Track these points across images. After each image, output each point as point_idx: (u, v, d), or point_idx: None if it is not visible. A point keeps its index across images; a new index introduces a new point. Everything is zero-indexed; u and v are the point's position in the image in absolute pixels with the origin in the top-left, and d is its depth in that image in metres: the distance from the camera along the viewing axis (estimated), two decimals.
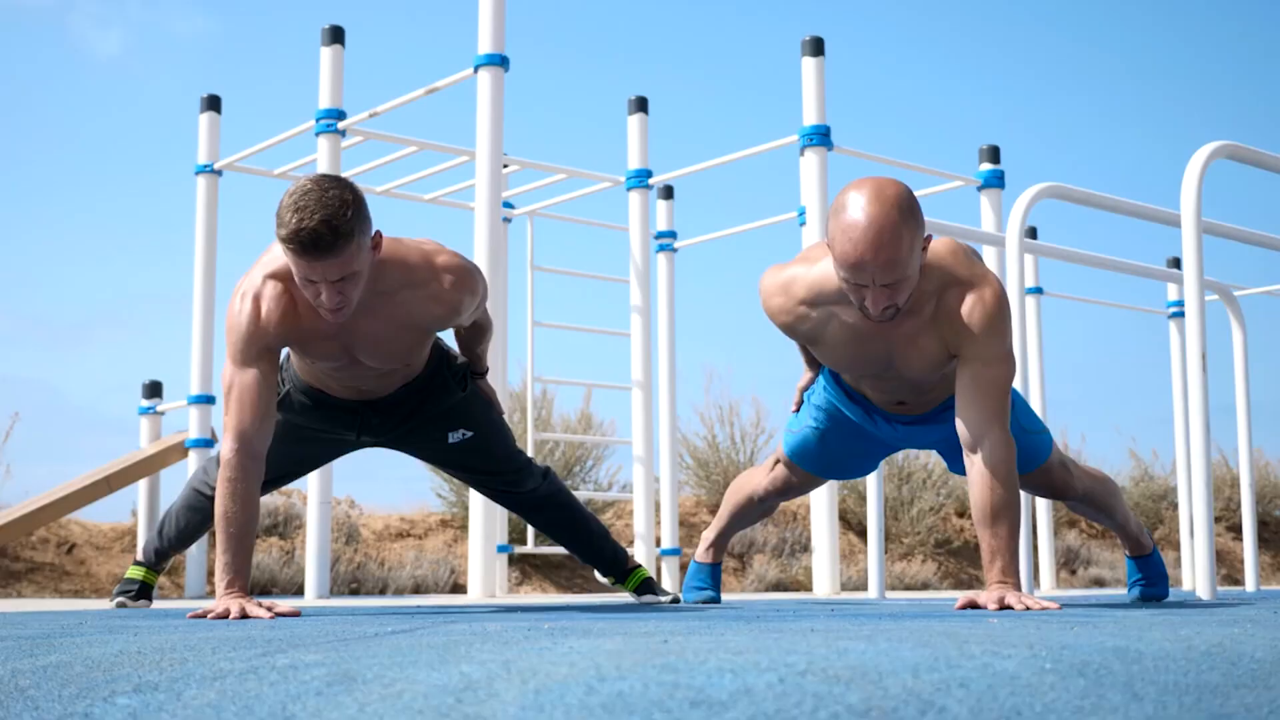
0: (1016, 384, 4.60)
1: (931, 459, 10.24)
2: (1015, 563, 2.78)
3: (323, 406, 3.42)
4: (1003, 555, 2.77)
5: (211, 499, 3.53)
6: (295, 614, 2.75)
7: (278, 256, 2.97)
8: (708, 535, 3.85)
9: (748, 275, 13.97)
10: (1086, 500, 3.50)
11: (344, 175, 2.92)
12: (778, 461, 3.56)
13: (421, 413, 3.45)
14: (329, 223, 2.74)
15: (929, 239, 2.78)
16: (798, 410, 3.43)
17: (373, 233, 2.89)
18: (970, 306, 2.83)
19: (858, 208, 2.65)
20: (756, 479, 3.66)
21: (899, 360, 2.98)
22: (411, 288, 3.04)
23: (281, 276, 2.96)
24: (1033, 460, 3.27)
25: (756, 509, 3.72)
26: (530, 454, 7.37)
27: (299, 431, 3.48)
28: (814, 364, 3.34)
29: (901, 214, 2.64)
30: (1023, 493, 3.49)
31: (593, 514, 3.93)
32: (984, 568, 2.84)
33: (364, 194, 2.88)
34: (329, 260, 2.77)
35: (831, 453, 3.44)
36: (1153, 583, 3.77)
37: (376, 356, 3.19)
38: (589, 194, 7.56)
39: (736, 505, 3.72)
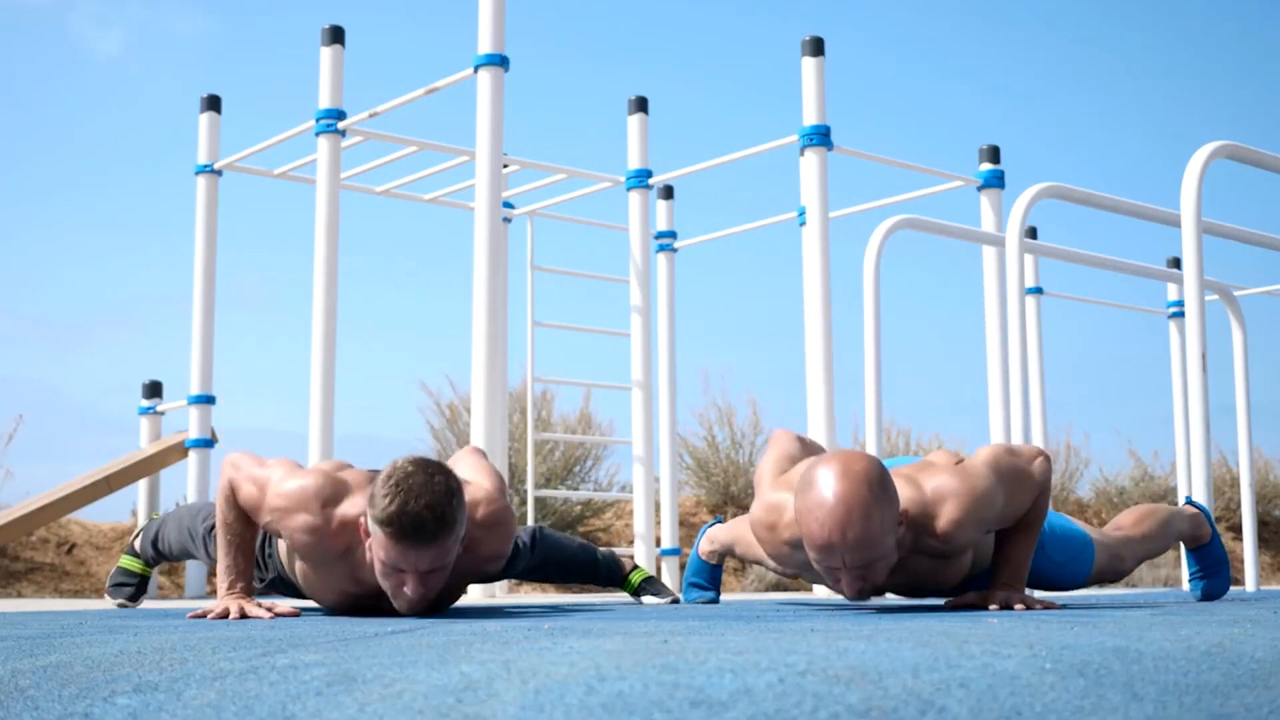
0: (1016, 387, 4.59)
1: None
2: (1024, 571, 2.85)
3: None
4: (1015, 562, 2.84)
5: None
6: (295, 614, 2.75)
7: None
8: (713, 538, 3.84)
9: (748, 275, 13.94)
10: (1146, 559, 3.47)
11: (441, 463, 2.66)
12: None
13: None
14: (434, 509, 2.50)
15: (905, 514, 2.61)
16: None
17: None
18: (949, 523, 2.69)
19: (825, 485, 2.48)
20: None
21: (905, 592, 3.00)
22: (466, 551, 2.78)
23: (370, 534, 2.63)
24: (1078, 578, 3.28)
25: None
26: (530, 454, 7.38)
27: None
28: None
29: (872, 490, 2.48)
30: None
31: (580, 544, 3.86)
32: (993, 567, 2.87)
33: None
34: (426, 550, 2.52)
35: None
36: (1209, 574, 3.60)
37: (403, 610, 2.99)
38: (589, 194, 7.55)
39: (743, 554, 3.68)
